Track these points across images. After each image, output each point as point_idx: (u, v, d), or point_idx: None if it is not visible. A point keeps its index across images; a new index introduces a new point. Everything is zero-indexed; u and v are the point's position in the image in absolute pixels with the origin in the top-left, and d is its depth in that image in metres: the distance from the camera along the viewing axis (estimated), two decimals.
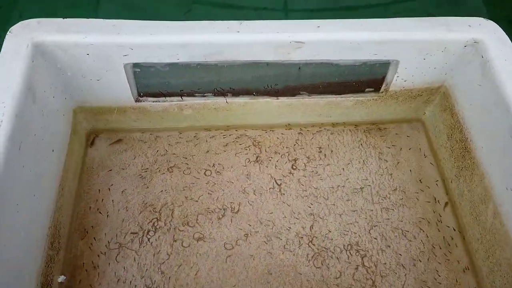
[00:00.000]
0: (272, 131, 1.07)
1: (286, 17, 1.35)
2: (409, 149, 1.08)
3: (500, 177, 0.84)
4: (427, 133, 1.11)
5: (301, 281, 0.87)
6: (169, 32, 0.80)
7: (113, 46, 0.79)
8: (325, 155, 1.05)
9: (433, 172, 1.04)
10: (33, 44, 0.76)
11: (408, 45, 0.89)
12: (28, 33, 0.76)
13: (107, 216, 0.91)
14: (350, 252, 0.91)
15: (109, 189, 0.95)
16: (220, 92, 0.96)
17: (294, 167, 1.02)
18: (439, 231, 0.95)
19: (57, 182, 0.82)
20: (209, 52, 0.84)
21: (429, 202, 1.00)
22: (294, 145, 1.06)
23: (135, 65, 0.86)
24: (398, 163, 1.05)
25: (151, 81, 0.91)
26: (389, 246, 0.92)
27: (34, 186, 0.72)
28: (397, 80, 0.98)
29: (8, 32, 0.76)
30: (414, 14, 1.36)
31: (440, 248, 0.93)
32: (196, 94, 0.96)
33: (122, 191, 0.95)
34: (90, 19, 0.81)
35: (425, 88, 1.01)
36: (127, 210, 0.92)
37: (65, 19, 0.80)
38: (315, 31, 0.86)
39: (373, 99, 1.03)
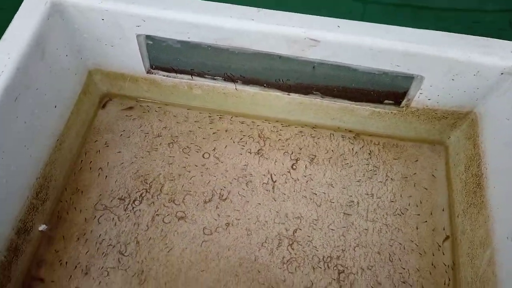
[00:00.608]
0: (280, 126, 1.05)
1: (364, 7, 1.30)
2: (423, 172, 1.00)
3: (504, 224, 0.76)
4: (448, 159, 1.02)
5: (270, 282, 0.86)
6: (182, 9, 0.80)
7: (125, 15, 0.80)
8: (329, 160, 1.01)
9: (442, 202, 0.97)
10: (52, 2, 0.78)
11: (436, 61, 0.82)
12: None
13: (101, 177, 0.95)
14: (328, 265, 0.88)
15: (109, 152, 0.98)
16: (230, 78, 0.94)
17: (294, 167, 0.99)
18: (431, 265, 0.89)
19: (55, 137, 0.86)
20: (220, 36, 0.82)
21: (429, 232, 0.93)
22: (300, 144, 1.02)
23: (148, 37, 0.87)
24: (406, 184, 0.98)
25: (162, 55, 0.91)
26: (371, 269, 0.88)
27: (27, 137, 0.76)
28: (420, 97, 0.91)
29: None
30: (493, 25, 1.27)
31: (427, 283, 0.87)
32: (206, 76, 0.95)
33: (121, 157, 0.98)
34: None
35: (451, 111, 0.93)
36: (120, 176, 0.95)
37: None
38: (334, 30, 0.81)
39: (391, 112, 0.97)
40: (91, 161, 0.97)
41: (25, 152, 0.76)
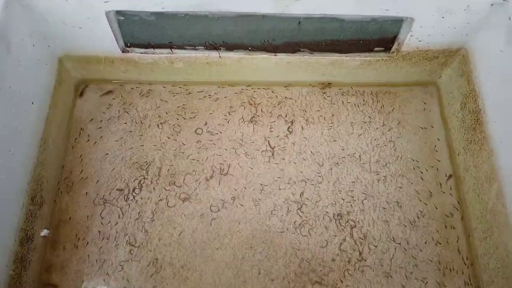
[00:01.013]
0: (270, 89, 1.01)
1: None
2: (418, 115, 1.00)
3: (508, 157, 0.77)
4: (441, 99, 1.02)
5: (286, 248, 0.85)
6: None
7: None
8: (325, 118, 0.98)
9: (441, 143, 0.97)
10: None
11: (425, 0, 0.78)
12: None
13: (93, 171, 0.90)
14: (339, 222, 0.88)
15: (97, 143, 0.93)
16: (212, 46, 0.89)
17: (290, 130, 0.97)
18: (438, 205, 0.90)
19: (38, 136, 0.80)
20: (197, 1, 0.76)
21: (432, 174, 0.94)
22: (293, 105, 0.99)
23: (118, 12, 0.79)
24: (403, 130, 0.98)
25: (137, 31, 0.85)
26: (381, 218, 0.89)
27: (9, 141, 0.70)
28: (410, 40, 0.88)
29: None
30: None
31: (437, 223, 0.88)
32: (187, 47, 0.89)
33: (110, 146, 0.93)
34: None
35: (442, 49, 0.91)
36: (114, 166, 0.91)
37: None
38: None
39: (382, 59, 0.94)
40: (80, 155, 0.92)
41: (11, 157, 0.71)
